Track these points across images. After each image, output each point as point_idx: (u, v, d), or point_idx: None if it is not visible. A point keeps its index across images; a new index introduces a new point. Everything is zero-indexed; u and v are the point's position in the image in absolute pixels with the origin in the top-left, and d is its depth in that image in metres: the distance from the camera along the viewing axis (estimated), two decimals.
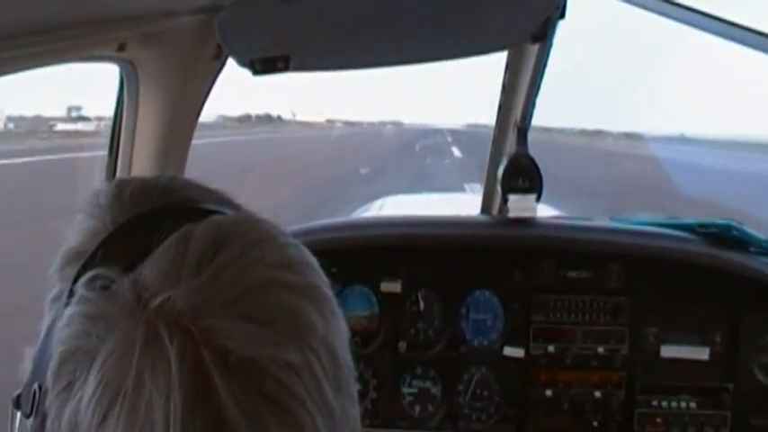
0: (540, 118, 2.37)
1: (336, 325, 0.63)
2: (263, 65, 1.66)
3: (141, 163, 1.71)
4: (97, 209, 0.66)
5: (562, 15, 1.89)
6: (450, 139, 31.68)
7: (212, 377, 0.52)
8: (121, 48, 1.47)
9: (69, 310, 0.57)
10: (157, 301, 0.54)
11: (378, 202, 4.51)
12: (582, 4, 1.92)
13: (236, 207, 0.71)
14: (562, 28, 1.91)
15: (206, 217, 0.63)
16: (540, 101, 2.32)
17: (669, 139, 26.42)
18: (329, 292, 0.64)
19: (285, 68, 1.68)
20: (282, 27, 1.64)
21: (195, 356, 0.52)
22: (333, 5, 1.61)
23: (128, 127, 1.71)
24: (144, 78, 1.64)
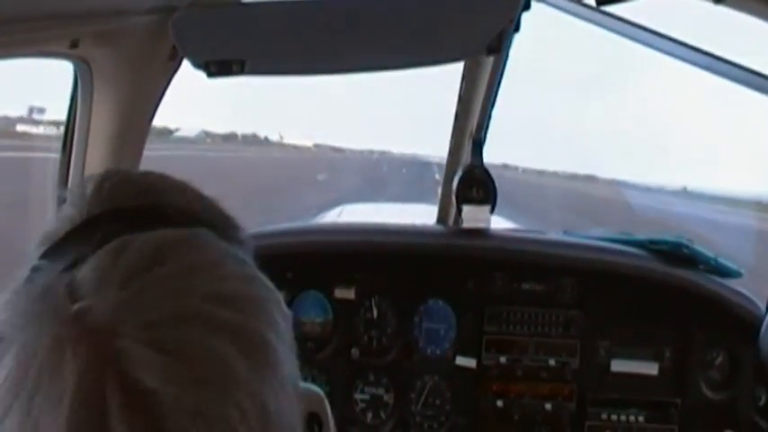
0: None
1: (271, 377, 0.56)
2: (217, 67, 1.66)
3: (94, 162, 1.71)
4: (79, 198, 0.64)
5: (517, 29, 1.93)
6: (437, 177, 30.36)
7: (109, 405, 0.48)
8: (74, 44, 1.47)
9: (5, 296, 0.56)
10: (77, 306, 0.52)
11: (335, 210, 4.50)
12: (536, 19, 1.97)
13: (222, 219, 0.68)
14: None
15: (171, 226, 0.61)
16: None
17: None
18: (271, 337, 0.57)
19: (240, 71, 1.69)
20: (238, 30, 1.65)
21: (97, 378, 0.49)
22: (290, 11, 1.63)
23: (81, 126, 1.70)
24: (98, 77, 1.64)
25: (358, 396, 2.32)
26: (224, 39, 1.66)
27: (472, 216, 2.33)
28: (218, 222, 0.67)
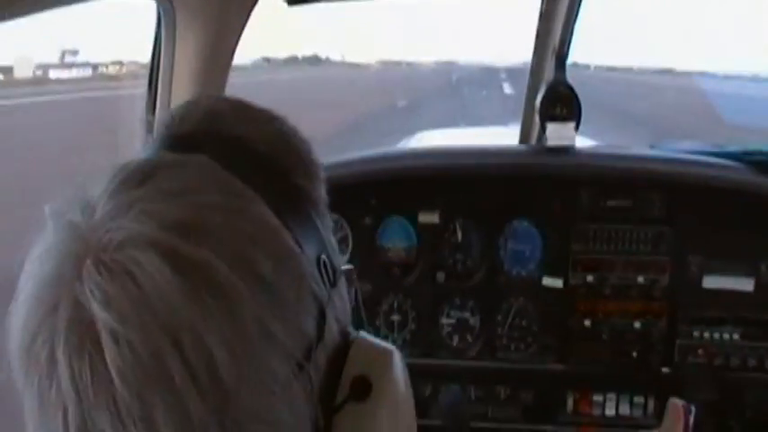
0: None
1: (226, 322, 0.52)
2: None
3: (181, 97, 1.74)
4: (169, 118, 0.69)
5: None
6: (503, 76, 29.18)
7: (57, 326, 0.52)
8: None
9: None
10: (68, 219, 0.56)
11: (416, 136, 4.48)
12: None
13: (282, 152, 0.69)
14: None
15: (224, 149, 0.64)
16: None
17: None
18: (234, 278, 0.54)
19: None
20: None
21: (57, 296, 0.53)
22: None
23: (166, 63, 1.73)
24: (180, 14, 1.65)
25: (444, 320, 2.35)
26: None
27: (557, 134, 2.27)
28: (283, 156, 0.68)
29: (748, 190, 2.22)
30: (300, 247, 0.62)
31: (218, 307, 0.52)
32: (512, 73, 27.58)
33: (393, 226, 2.32)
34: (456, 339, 2.35)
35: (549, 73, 2.36)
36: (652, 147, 2.53)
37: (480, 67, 36.85)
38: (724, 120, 11.56)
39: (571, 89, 2.28)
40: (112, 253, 0.52)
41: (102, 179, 0.58)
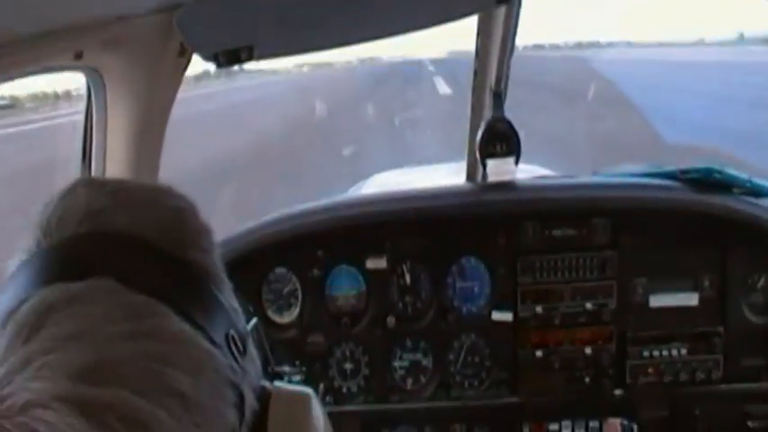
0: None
1: None
2: (226, 57, 1.63)
3: (115, 167, 1.71)
4: (45, 222, 0.65)
5: None
6: (432, 69, 27.42)
7: None
8: (78, 56, 1.45)
9: None
10: None
11: (363, 182, 4.50)
12: None
13: (181, 233, 0.67)
14: None
15: (118, 260, 0.61)
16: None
17: None
18: (159, 412, 0.53)
19: (249, 58, 1.66)
20: (243, 17, 1.62)
21: None
22: None
23: (99, 133, 1.69)
24: (110, 83, 1.63)
25: (397, 364, 2.36)
26: (230, 28, 1.63)
27: (497, 170, 2.30)
28: (174, 236, 0.66)
29: (686, 208, 2.28)
30: (213, 342, 0.62)
31: None
32: (439, 65, 26.00)
33: (341, 274, 2.32)
34: (410, 382, 2.36)
35: (487, 110, 2.38)
36: (594, 173, 2.58)
37: (405, 61, 35.30)
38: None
39: (509, 124, 2.31)
40: (16, 416, 0.49)
41: None
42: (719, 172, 2.27)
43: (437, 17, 1.92)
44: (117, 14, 1.45)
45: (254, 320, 0.79)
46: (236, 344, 0.65)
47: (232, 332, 0.66)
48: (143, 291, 0.60)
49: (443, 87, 20.00)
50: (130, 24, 1.50)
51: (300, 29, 1.77)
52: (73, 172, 1.79)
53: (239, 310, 0.71)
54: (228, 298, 0.70)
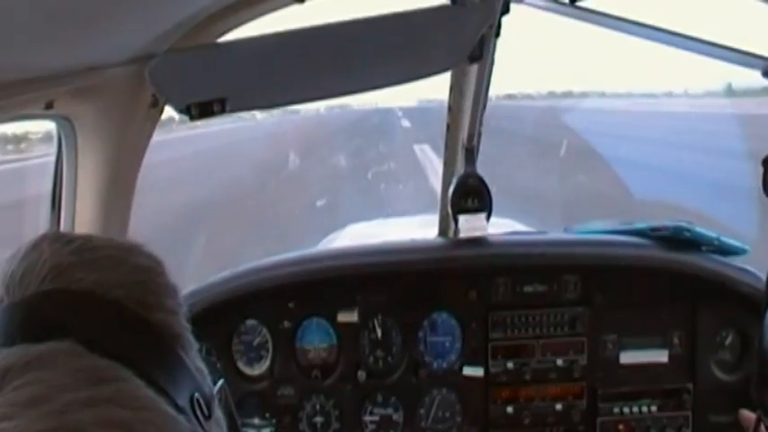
0: None
1: None
2: (199, 109, 1.64)
3: (85, 217, 1.69)
4: (8, 276, 0.65)
5: (497, 34, 1.92)
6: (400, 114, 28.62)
7: None
8: (49, 106, 1.45)
9: None
10: None
11: (335, 233, 4.50)
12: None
13: (144, 293, 0.66)
14: None
15: (82, 322, 0.60)
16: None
17: None
18: None
19: (222, 111, 1.67)
20: (216, 70, 1.63)
21: None
22: (266, 45, 1.61)
23: (69, 182, 1.68)
24: (81, 133, 1.62)
25: (367, 418, 2.33)
26: (202, 80, 1.65)
27: (468, 226, 2.31)
28: (140, 296, 0.65)
29: (656, 266, 2.31)
30: (177, 406, 0.61)
31: None
32: (408, 112, 27.18)
33: (312, 327, 2.30)
34: None
35: (460, 165, 2.40)
36: (566, 230, 2.61)
37: (376, 109, 35.08)
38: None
39: (481, 180, 2.33)
40: None
41: None
42: (689, 230, 2.30)
43: (410, 73, 1.96)
44: (89, 65, 1.44)
45: (220, 381, 0.78)
46: (200, 407, 0.65)
47: (197, 395, 0.65)
48: (105, 353, 0.59)
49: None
50: (103, 75, 1.50)
51: (273, 83, 1.79)
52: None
53: (205, 371, 0.71)
54: (194, 359, 0.69)
